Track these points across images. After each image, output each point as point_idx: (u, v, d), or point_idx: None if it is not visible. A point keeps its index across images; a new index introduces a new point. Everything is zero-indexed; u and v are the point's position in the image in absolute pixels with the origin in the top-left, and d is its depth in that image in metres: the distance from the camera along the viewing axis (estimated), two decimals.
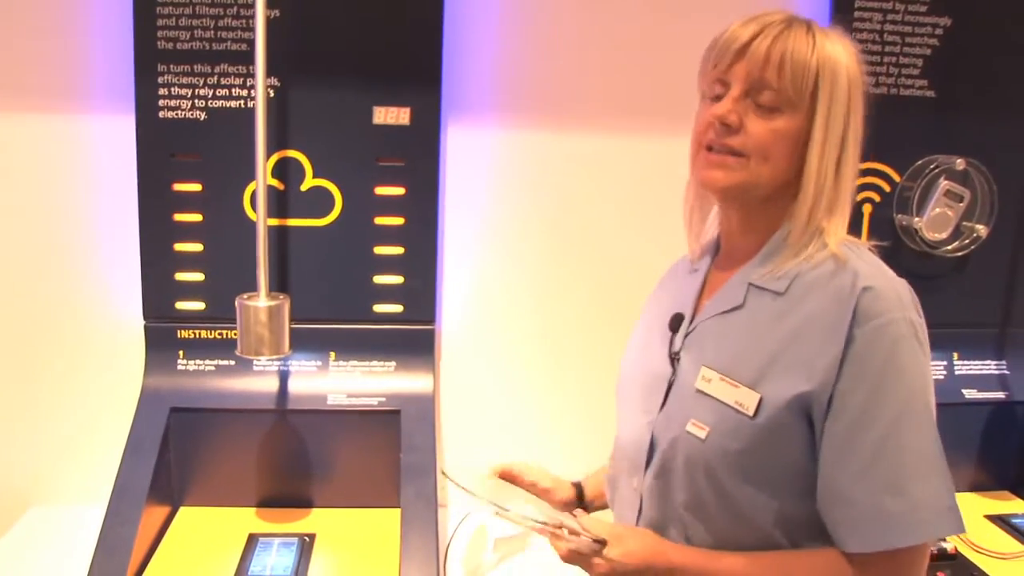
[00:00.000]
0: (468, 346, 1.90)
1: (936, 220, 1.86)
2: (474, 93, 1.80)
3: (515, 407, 1.94)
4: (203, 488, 1.73)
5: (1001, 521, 1.84)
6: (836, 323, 0.93)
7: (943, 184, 1.85)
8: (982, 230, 1.86)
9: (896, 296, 0.94)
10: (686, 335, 1.08)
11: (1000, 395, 1.97)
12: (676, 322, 1.09)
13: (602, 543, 1.01)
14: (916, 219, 1.86)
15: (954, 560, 1.67)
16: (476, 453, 1.93)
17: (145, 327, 1.74)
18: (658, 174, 1.87)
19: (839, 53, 0.98)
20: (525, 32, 1.79)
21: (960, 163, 1.84)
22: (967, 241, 1.89)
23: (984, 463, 1.98)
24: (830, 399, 0.93)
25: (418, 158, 1.72)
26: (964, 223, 1.88)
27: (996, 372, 1.99)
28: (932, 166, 1.86)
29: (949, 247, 1.89)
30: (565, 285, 1.90)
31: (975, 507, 1.91)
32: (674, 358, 1.07)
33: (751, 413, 0.95)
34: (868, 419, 0.91)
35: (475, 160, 1.82)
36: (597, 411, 1.94)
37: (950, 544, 1.68)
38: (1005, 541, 1.77)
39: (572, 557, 1.03)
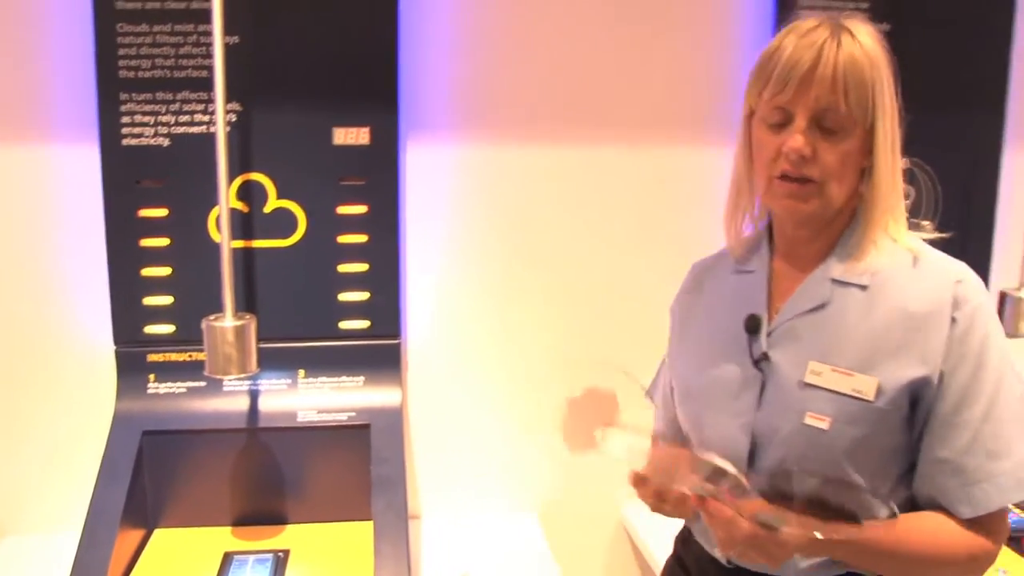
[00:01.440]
0: (434, 359, 1.93)
1: None
2: (431, 111, 1.83)
3: (482, 417, 1.97)
4: (177, 509, 1.74)
5: None
6: (937, 310, 1.00)
7: None
8: (928, 227, 1.92)
9: (980, 283, 1.03)
10: (769, 334, 1.09)
11: None
12: (754, 324, 1.10)
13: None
14: None
15: None
16: (446, 463, 1.96)
17: (116, 352, 1.76)
18: (614, 184, 1.92)
19: (879, 53, 1.02)
20: (479, 50, 1.84)
21: (904, 162, 1.89)
22: None
23: None
24: (940, 380, 1.00)
25: (379, 176, 1.77)
26: (910, 220, 1.93)
27: None
28: None
29: None
30: (527, 296, 1.93)
31: None
32: (761, 358, 1.09)
33: (871, 398, 1.00)
34: (972, 395, 0.99)
35: (435, 176, 1.86)
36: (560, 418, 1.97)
37: None
38: None
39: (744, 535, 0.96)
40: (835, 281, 1.06)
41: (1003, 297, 1.93)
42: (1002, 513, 1.01)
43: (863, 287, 1.04)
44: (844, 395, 1.01)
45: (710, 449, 1.13)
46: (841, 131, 1.00)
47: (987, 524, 1.01)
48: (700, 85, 1.92)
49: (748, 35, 1.91)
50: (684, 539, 1.29)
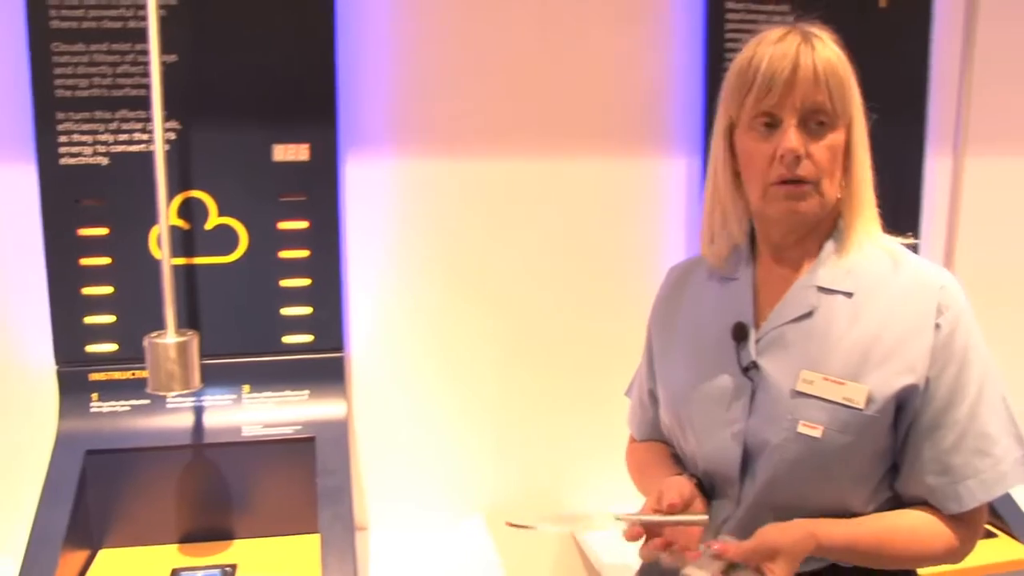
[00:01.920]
0: (378, 371, 1.94)
1: None
2: (370, 127, 1.86)
3: (427, 426, 1.98)
4: (123, 529, 1.73)
5: None
6: (922, 317, 1.04)
7: None
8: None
9: (959, 289, 1.07)
10: (757, 342, 1.11)
11: None
12: (741, 332, 1.11)
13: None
14: None
15: None
16: (392, 474, 1.98)
17: (57, 372, 1.74)
18: (553, 197, 1.96)
19: (843, 55, 1.06)
20: (418, 66, 1.86)
21: None
22: None
23: None
24: (926, 385, 1.04)
25: (319, 192, 1.78)
26: None
27: None
28: None
29: None
30: (467, 307, 1.96)
31: None
32: (750, 367, 1.10)
33: (862, 406, 1.03)
34: (958, 397, 1.04)
35: (375, 191, 1.88)
36: (503, 428, 2.01)
37: None
38: None
39: None
40: (821, 288, 1.08)
41: None
42: (983, 508, 1.07)
43: (848, 294, 1.07)
44: (836, 403, 1.03)
45: (702, 458, 1.16)
46: (828, 129, 1.04)
47: (968, 519, 1.07)
48: (637, 98, 1.97)
49: (680, 46, 1.97)
50: None
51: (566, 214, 1.97)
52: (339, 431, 1.78)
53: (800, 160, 1.02)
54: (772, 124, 1.04)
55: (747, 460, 1.10)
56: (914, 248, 2.12)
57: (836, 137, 1.05)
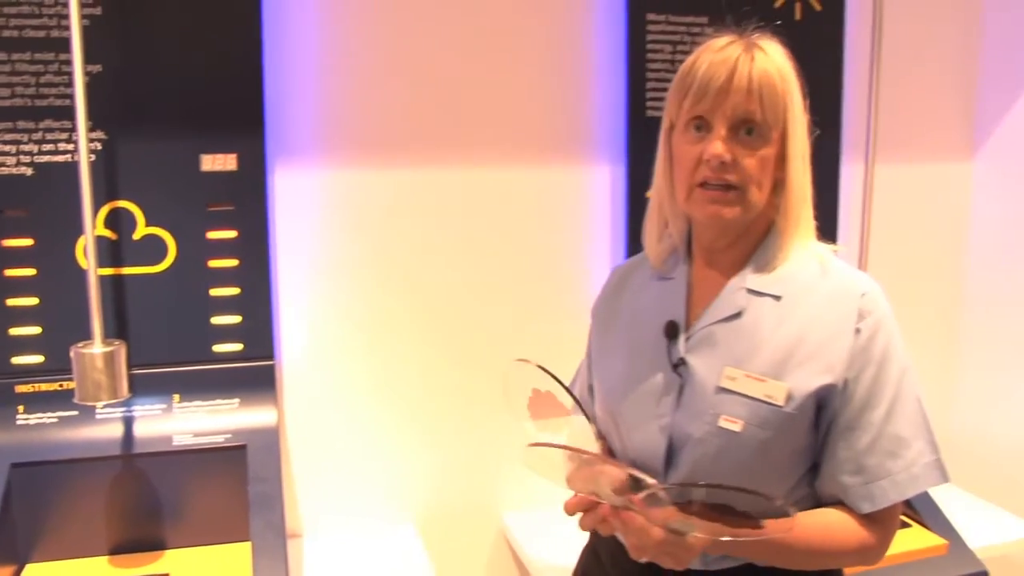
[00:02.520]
0: (310, 379, 1.95)
1: None
2: (299, 136, 1.87)
3: (359, 433, 2.00)
4: (51, 542, 1.71)
5: None
6: (843, 321, 1.08)
7: None
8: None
9: (882, 296, 1.11)
10: (687, 340, 1.15)
11: None
12: (673, 330, 1.15)
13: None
14: None
15: None
16: (325, 481, 1.99)
17: None
18: (482, 205, 2.00)
19: (789, 70, 1.09)
20: (345, 75, 1.88)
21: None
22: None
23: None
24: (844, 386, 1.08)
25: (247, 202, 1.79)
26: None
27: None
28: None
29: None
30: (398, 315, 1.98)
31: None
32: (679, 363, 1.14)
33: (782, 403, 1.06)
34: (874, 400, 1.07)
35: (304, 200, 1.89)
36: (436, 435, 2.03)
37: None
38: None
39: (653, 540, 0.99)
40: (751, 291, 1.12)
41: None
42: (896, 508, 1.11)
43: (776, 297, 1.11)
44: (756, 400, 1.07)
45: (631, 450, 1.19)
46: (758, 138, 1.06)
47: (882, 519, 1.10)
48: (561, 106, 2.02)
49: (603, 56, 2.02)
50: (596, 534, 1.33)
51: (494, 221, 2.01)
52: (270, 439, 1.78)
53: (726, 166, 1.06)
54: (703, 129, 1.08)
55: (672, 453, 1.14)
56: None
57: (767, 147, 1.07)
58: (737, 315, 1.12)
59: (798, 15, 2.09)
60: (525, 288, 2.04)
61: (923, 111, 2.33)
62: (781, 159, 1.09)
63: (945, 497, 2.00)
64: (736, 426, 1.07)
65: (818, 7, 2.10)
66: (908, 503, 1.93)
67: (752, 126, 1.06)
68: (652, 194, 1.20)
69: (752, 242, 1.14)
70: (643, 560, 1.02)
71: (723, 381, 1.10)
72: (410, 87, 1.92)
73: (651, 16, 1.97)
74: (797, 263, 1.12)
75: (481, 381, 2.02)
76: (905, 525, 1.91)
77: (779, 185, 1.11)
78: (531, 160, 2.01)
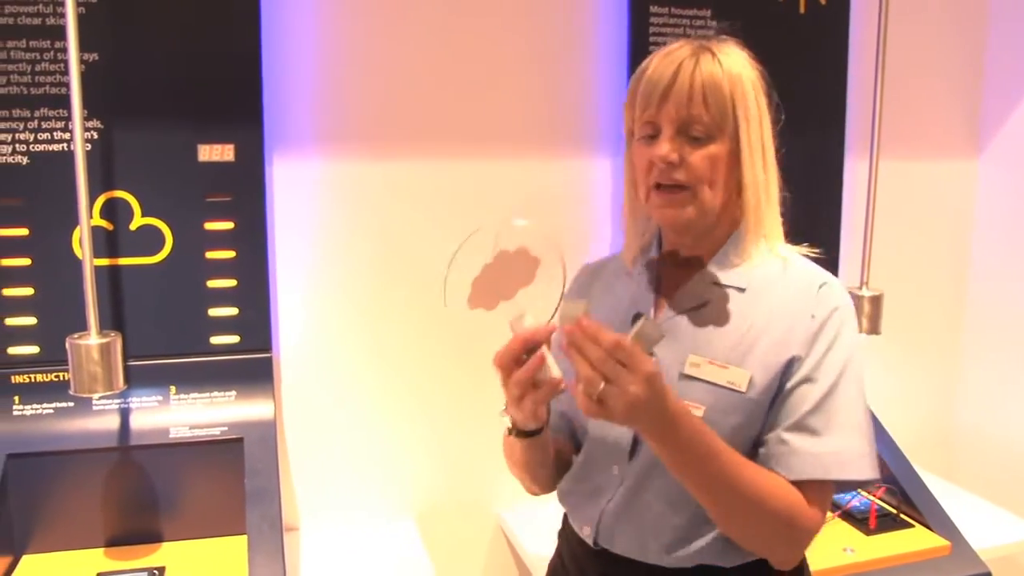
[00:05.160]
0: (307, 371, 1.94)
1: None
2: (296, 126, 1.86)
3: (357, 426, 1.99)
4: (47, 534, 1.71)
5: None
6: (803, 310, 1.10)
7: None
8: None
9: (841, 290, 1.14)
10: None
11: None
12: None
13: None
14: None
15: None
16: (323, 474, 1.98)
17: None
18: (478, 195, 1.98)
19: (742, 67, 1.11)
20: (343, 65, 1.87)
21: None
22: None
23: None
24: (794, 363, 1.10)
25: (245, 192, 1.77)
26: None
27: None
28: None
29: None
30: (395, 306, 1.97)
31: None
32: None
33: (743, 389, 1.09)
34: (816, 377, 1.09)
35: (301, 191, 1.88)
36: (435, 428, 2.02)
37: None
38: None
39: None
40: (716, 284, 1.15)
41: None
42: (827, 489, 1.10)
43: (741, 289, 1.14)
44: (719, 386, 1.10)
45: (599, 434, 1.19)
46: (706, 138, 1.08)
47: (812, 494, 1.09)
48: (562, 98, 2.00)
49: (604, 49, 2.01)
50: (562, 533, 1.36)
51: (494, 213, 1.99)
52: (267, 432, 1.77)
53: (674, 166, 1.08)
54: (654, 134, 1.10)
55: (638, 438, 1.16)
56: (836, 250, 2.20)
57: (716, 147, 1.09)
58: (702, 306, 1.15)
59: (802, 8, 2.08)
60: None
61: (928, 108, 2.32)
62: (738, 160, 1.11)
63: (948, 498, 1.99)
64: (699, 411, 1.09)
65: (822, 1, 2.08)
66: (911, 503, 1.92)
67: (699, 127, 1.08)
68: (624, 196, 1.23)
69: (718, 241, 1.17)
70: (592, 393, 0.95)
71: (687, 368, 1.12)
72: (410, 78, 1.91)
73: (654, 8, 1.96)
74: (761, 260, 1.15)
75: (484, 375, 1.99)
76: (908, 525, 1.91)
77: (736, 184, 1.13)
78: (532, 152, 2.00)
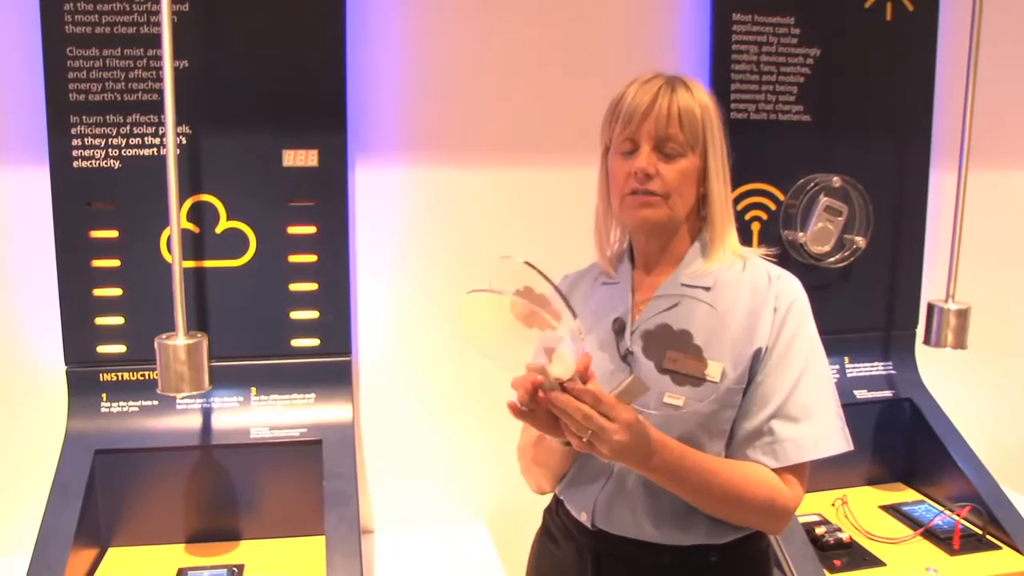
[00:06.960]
0: (386, 375, 1.96)
1: (819, 234, 2.00)
2: (379, 133, 1.87)
3: (433, 430, 2.00)
4: (131, 528, 1.76)
5: (894, 510, 1.98)
6: (763, 302, 1.23)
7: (823, 200, 1.99)
8: (861, 242, 2.01)
9: (795, 282, 1.26)
10: (632, 333, 1.27)
11: (888, 394, 2.12)
12: (619, 326, 1.28)
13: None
14: (800, 234, 2.00)
15: (849, 548, 1.79)
16: (398, 477, 2.00)
17: (67, 372, 1.76)
18: (562, 203, 1.97)
19: (708, 100, 1.25)
20: (426, 73, 1.88)
21: (836, 180, 1.99)
22: (848, 253, 2.03)
23: (877, 458, 2.12)
24: (763, 353, 1.21)
25: (327, 197, 1.80)
26: (845, 236, 2.03)
27: (883, 373, 2.13)
28: (812, 184, 2.00)
29: (832, 259, 2.03)
30: None
31: (871, 499, 2.04)
32: (627, 354, 1.26)
33: (718, 379, 1.21)
34: (783, 369, 1.21)
35: (382, 197, 1.90)
36: (509, 434, 2.01)
37: (845, 534, 1.81)
38: (897, 528, 1.91)
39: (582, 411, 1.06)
40: (684, 285, 1.27)
41: (931, 309, 2.01)
42: (805, 469, 1.22)
43: (707, 288, 1.25)
44: (695, 377, 1.21)
45: None
46: (678, 155, 1.22)
47: (789, 479, 1.20)
48: None
49: (687, 56, 1.99)
50: (551, 509, 1.44)
51: (579, 223, 1.97)
52: (345, 434, 1.79)
53: (650, 177, 1.21)
54: (632, 150, 1.23)
55: None
56: (919, 262, 2.15)
57: (687, 162, 1.23)
58: (674, 306, 1.26)
59: (888, 15, 2.02)
60: None
61: (1020, 116, 2.24)
62: (704, 177, 1.25)
63: None
64: (678, 401, 1.21)
65: (910, 7, 2.03)
66: (998, 523, 1.86)
67: (673, 144, 1.21)
68: (596, 210, 1.35)
69: (684, 247, 1.29)
70: (583, 444, 1.08)
71: (666, 363, 1.23)
72: (493, 87, 1.92)
73: (737, 16, 1.94)
74: (723, 261, 1.27)
75: None
76: (994, 547, 1.85)
77: (704, 199, 1.27)
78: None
